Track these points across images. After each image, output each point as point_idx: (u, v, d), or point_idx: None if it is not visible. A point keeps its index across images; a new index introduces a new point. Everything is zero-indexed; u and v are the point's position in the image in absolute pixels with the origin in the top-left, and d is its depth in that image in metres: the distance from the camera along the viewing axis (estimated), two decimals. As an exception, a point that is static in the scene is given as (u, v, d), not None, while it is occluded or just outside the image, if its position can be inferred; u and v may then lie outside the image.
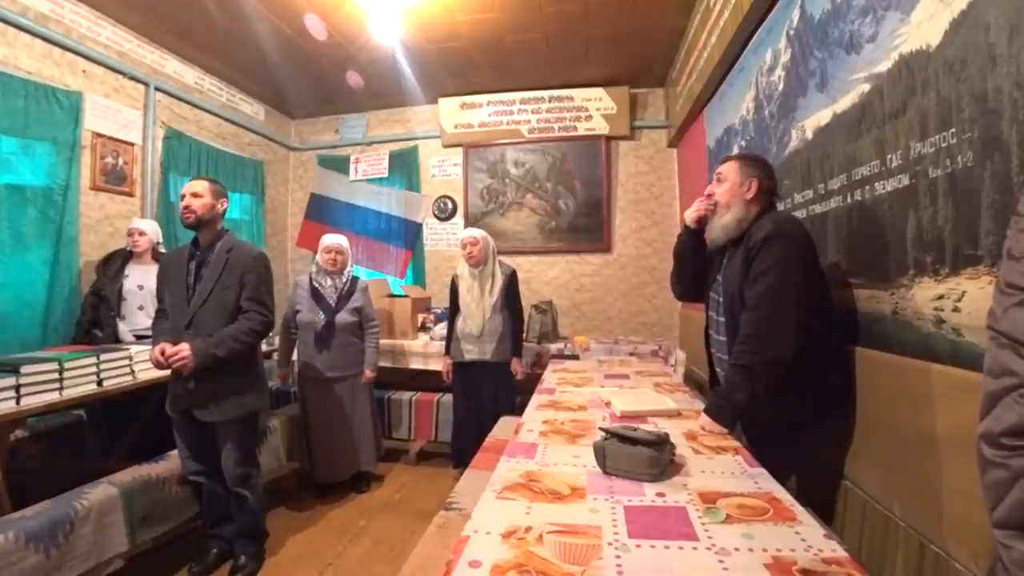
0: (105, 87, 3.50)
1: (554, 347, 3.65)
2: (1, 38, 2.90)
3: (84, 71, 3.35)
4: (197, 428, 2.24)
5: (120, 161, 3.56)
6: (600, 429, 1.37)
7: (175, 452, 2.36)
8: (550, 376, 2.50)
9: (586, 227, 4.63)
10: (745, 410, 1.51)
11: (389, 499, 3.11)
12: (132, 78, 3.67)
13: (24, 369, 2.04)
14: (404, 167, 5.07)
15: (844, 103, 1.68)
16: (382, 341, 3.38)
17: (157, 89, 3.85)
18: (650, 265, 4.54)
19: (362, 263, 4.89)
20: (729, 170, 1.74)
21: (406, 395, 3.71)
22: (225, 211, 2.35)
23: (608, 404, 1.88)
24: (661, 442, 1.25)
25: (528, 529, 0.99)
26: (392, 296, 3.98)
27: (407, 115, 5.13)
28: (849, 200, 1.66)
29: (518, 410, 2.42)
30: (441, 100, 4.87)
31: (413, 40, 3.72)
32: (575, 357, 3.37)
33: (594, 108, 4.57)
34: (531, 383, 2.57)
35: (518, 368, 3.17)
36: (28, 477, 2.18)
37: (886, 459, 1.42)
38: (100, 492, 2.04)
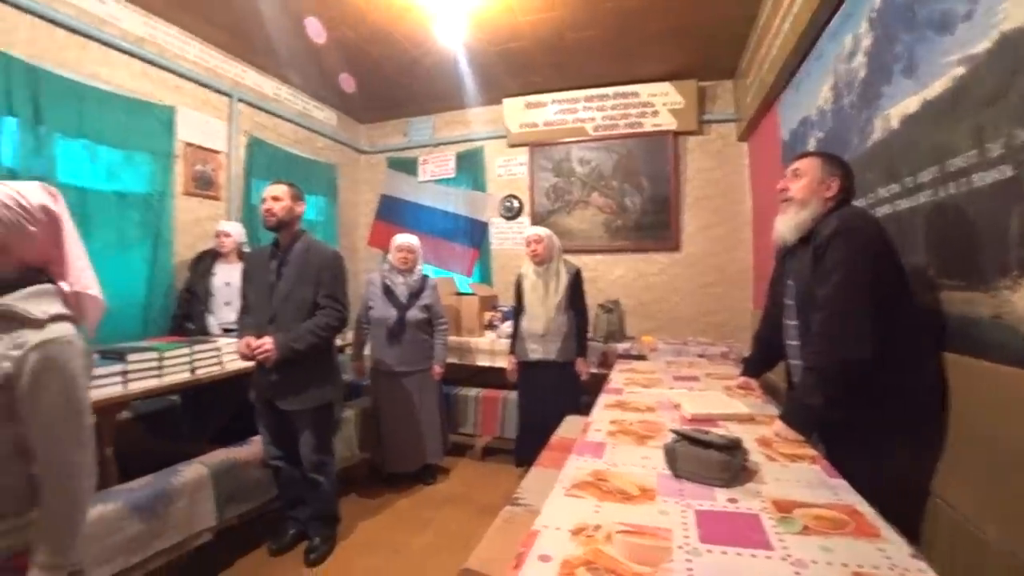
0: (195, 100, 3.78)
1: (620, 347, 3.61)
2: (105, 60, 3.20)
3: (176, 86, 3.64)
4: (278, 416, 2.40)
5: (208, 168, 3.83)
6: (671, 431, 1.35)
7: (258, 438, 2.54)
8: (617, 376, 2.48)
9: (652, 225, 4.54)
10: (821, 415, 1.45)
11: (454, 492, 3.19)
12: (218, 91, 3.95)
13: (130, 357, 2.27)
14: (470, 167, 5.16)
15: (935, 89, 1.56)
16: (450, 338, 3.46)
17: (240, 100, 4.12)
18: (719, 264, 4.39)
19: (430, 261, 5.02)
20: (809, 166, 1.66)
21: (472, 391, 3.79)
22: (302, 213, 2.49)
23: (678, 406, 1.84)
24: (734, 447, 1.22)
25: (597, 527, 1.00)
26: (460, 294, 4.07)
27: (472, 116, 5.21)
28: (941, 194, 1.55)
29: (583, 410, 2.42)
30: (505, 100, 4.91)
31: (476, 42, 3.77)
32: (642, 357, 3.31)
33: (660, 103, 4.47)
34: (596, 383, 2.56)
35: (583, 368, 3.15)
36: (130, 454, 2.40)
37: (982, 476, 1.31)
38: (193, 471, 2.24)
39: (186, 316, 3.23)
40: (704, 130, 4.49)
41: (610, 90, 4.59)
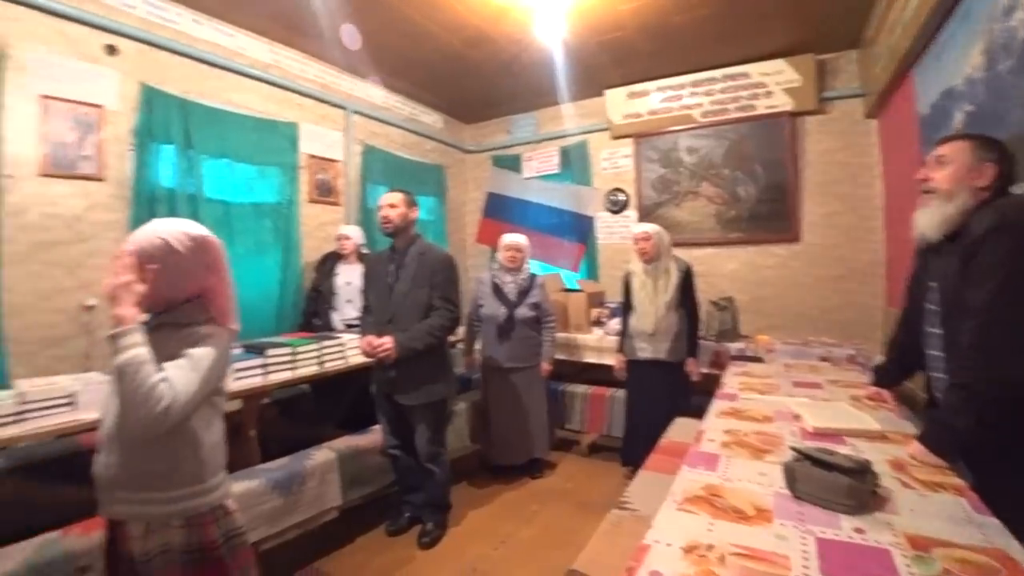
0: (314, 115, 4.14)
1: (734, 347, 3.42)
2: (238, 86, 3.61)
3: (298, 104, 4.01)
4: (396, 409, 2.59)
5: (328, 176, 4.17)
6: (791, 449, 1.28)
7: (378, 427, 2.76)
8: (731, 380, 2.37)
9: (768, 215, 4.26)
10: (969, 439, 1.29)
11: (560, 487, 3.24)
12: (334, 105, 4.29)
13: (268, 352, 2.57)
14: (575, 162, 5.14)
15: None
16: (557, 334, 3.50)
17: (354, 112, 4.44)
18: (844, 256, 4.02)
19: (537, 258, 5.06)
20: (956, 151, 1.46)
21: (580, 388, 3.80)
22: (416, 218, 2.65)
23: (798, 418, 1.73)
24: (862, 470, 1.14)
25: (710, 547, 0.98)
26: (567, 290, 4.10)
27: (574, 110, 5.18)
28: None
29: (693, 412, 2.36)
30: (607, 92, 4.82)
31: (576, 36, 3.73)
32: (758, 359, 3.13)
33: (774, 83, 4.16)
34: (708, 384, 2.48)
35: (694, 368, 3.06)
36: (268, 435, 2.70)
37: None
38: (322, 455, 2.50)
39: (313, 313, 3.57)
40: (825, 109, 4.12)
41: (718, 72, 4.36)
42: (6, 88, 2.65)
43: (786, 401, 1.96)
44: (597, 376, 3.80)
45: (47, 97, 2.79)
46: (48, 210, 2.80)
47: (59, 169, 2.82)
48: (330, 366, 2.83)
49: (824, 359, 2.98)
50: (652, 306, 3.02)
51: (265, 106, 3.77)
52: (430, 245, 2.65)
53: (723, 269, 4.47)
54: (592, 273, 5.02)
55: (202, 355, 1.19)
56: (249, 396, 2.49)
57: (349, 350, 2.91)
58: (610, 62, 4.25)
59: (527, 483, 3.29)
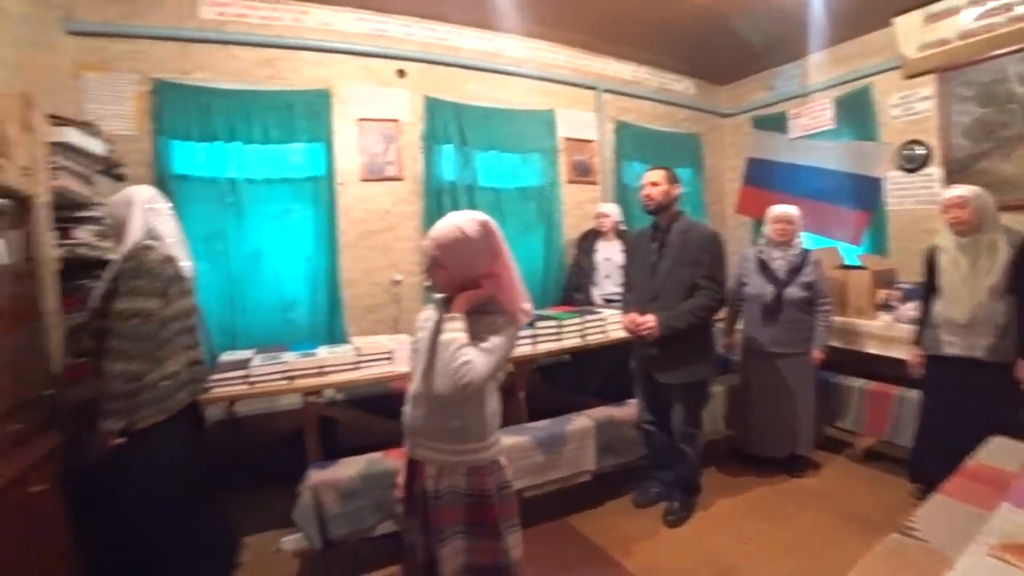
0: (568, 100, 4.37)
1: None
2: (501, 84, 4.07)
3: (553, 91, 4.28)
4: (654, 386, 2.61)
5: (584, 157, 4.37)
6: None
7: (634, 401, 2.84)
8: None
9: None
10: None
11: (822, 492, 2.87)
12: (585, 87, 4.44)
13: (537, 324, 2.88)
14: (854, 113, 4.38)
15: None
16: (833, 319, 3.05)
17: (604, 91, 4.54)
18: None
19: (808, 229, 4.47)
20: None
21: (857, 382, 3.25)
22: (679, 195, 2.59)
23: None
24: None
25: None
26: (845, 267, 3.55)
27: (851, 50, 4.38)
28: None
29: (1020, 431, 1.85)
30: (896, 20, 3.90)
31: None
32: None
33: None
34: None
35: (1024, 374, 2.33)
36: (533, 397, 3.02)
37: None
38: (581, 422, 2.71)
39: (574, 288, 3.83)
40: None
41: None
42: (335, 117, 3.52)
43: None
44: (880, 370, 3.20)
45: (362, 120, 3.61)
46: (366, 206, 3.63)
47: (372, 174, 3.61)
48: (592, 339, 3.05)
49: None
50: (967, 290, 2.39)
51: (524, 98, 4.12)
52: (694, 222, 2.59)
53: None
54: (879, 246, 4.22)
55: (498, 344, 1.40)
56: (520, 362, 2.87)
57: (610, 324, 3.09)
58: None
59: (784, 481, 3.01)
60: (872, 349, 3.22)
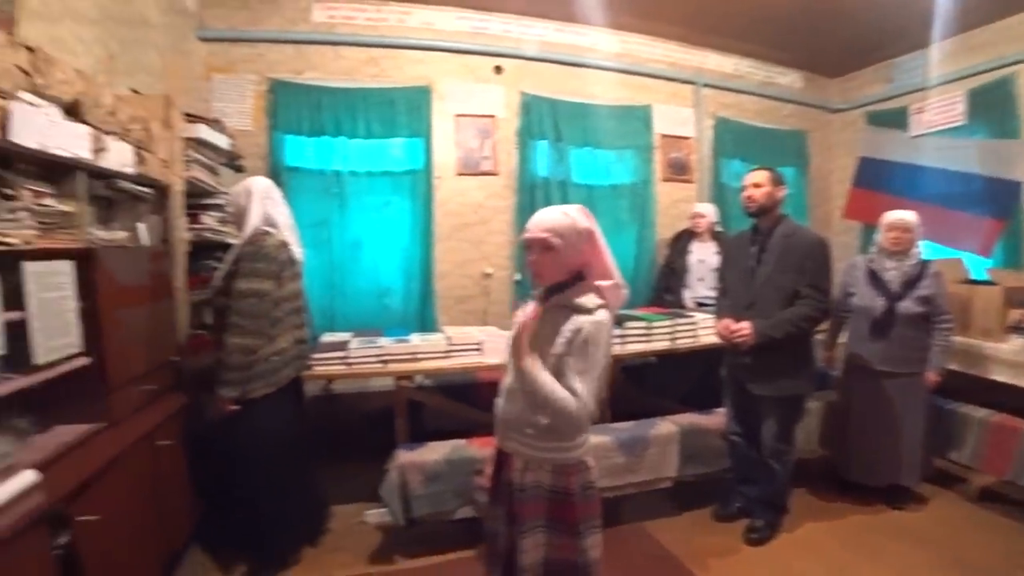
0: (665, 95, 4.26)
1: None
2: (595, 80, 4.02)
3: (649, 86, 4.18)
4: (744, 396, 2.49)
5: (681, 154, 4.25)
6: None
7: (721, 410, 2.73)
8: None
9: None
10: None
11: (926, 530, 2.59)
12: (684, 81, 4.31)
13: (626, 325, 2.86)
14: (990, 107, 3.91)
15: None
16: (953, 338, 2.77)
17: (704, 85, 4.37)
18: None
19: (928, 237, 4.06)
20: None
21: (978, 412, 2.89)
22: (783, 198, 2.45)
23: None
24: None
25: None
26: (971, 282, 3.20)
27: (988, 36, 3.93)
28: None
29: None
30: None
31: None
32: None
33: None
34: None
35: None
36: (618, 397, 2.95)
37: None
38: (665, 427, 2.66)
39: (665, 289, 3.76)
40: None
41: None
42: (434, 113, 3.66)
43: None
44: (1007, 401, 2.84)
45: (459, 115, 3.73)
46: (460, 200, 3.76)
47: (468, 169, 3.72)
48: (681, 343, 2.96)
49: None
50: None
51: (619, 93, 4.07)
52: (798, 226, 2.44)
53: None
54: (1013, 259, 3.76)
55: (595, 360, 1.37)
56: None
57: (701, 329, 2.98)
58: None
59: (883, 512, 2.75)
60: (999, 377, 2.86)
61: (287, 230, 2.23)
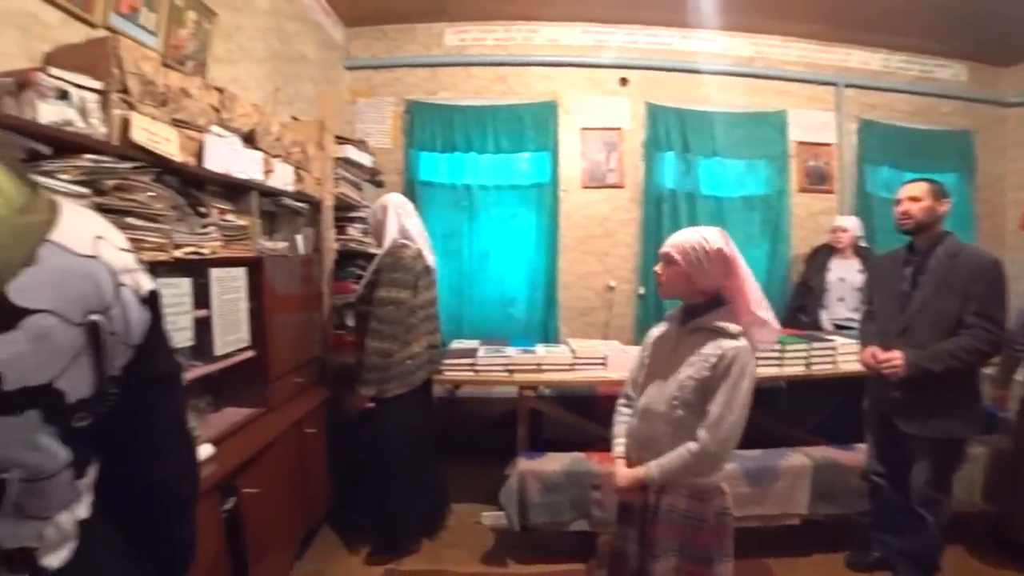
0: (801, 99, 3.99)
1: None
2: (725, 87, 3.86)
3: (783, 91, 3.95)
4: (892, 434, 2.23)
5: (820, 162, 3.97)
6: None
7: (862, 446, 2.47)
8: None
9: None
10: None
11: None
12: (823, 83, 4.02)
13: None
14: None
15: None
16: None
17: (846, 86, 4.05)
18: None
19: None
20: None
21: None
22: (946, 213, 2.19)
23: None
24: None
25: None
26: None
27: None
28: None
29: None
30: None
31: None
32: None
33: None
34: None
35: None
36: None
37: None
38: (797, 458, 2.48)
39: (799, 308, 3.50)
40: None
41: None
42: (560, 127, 3.75)
43: None
44: None
45: (584, 128, 3.79)
46: (585, 212, 3.81)
47: (593, 181, 3.76)
48: (817, 369, 2.75)
49: None
50: None
51: (751, 99, 3.89)
52: (964, 246, 2.15)
53: None
54: None
55: (741, 400, 1.41)
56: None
57: (841, 355, 2.73)
58: None
59: None
60: None
61: (420, 240, 2.43)
